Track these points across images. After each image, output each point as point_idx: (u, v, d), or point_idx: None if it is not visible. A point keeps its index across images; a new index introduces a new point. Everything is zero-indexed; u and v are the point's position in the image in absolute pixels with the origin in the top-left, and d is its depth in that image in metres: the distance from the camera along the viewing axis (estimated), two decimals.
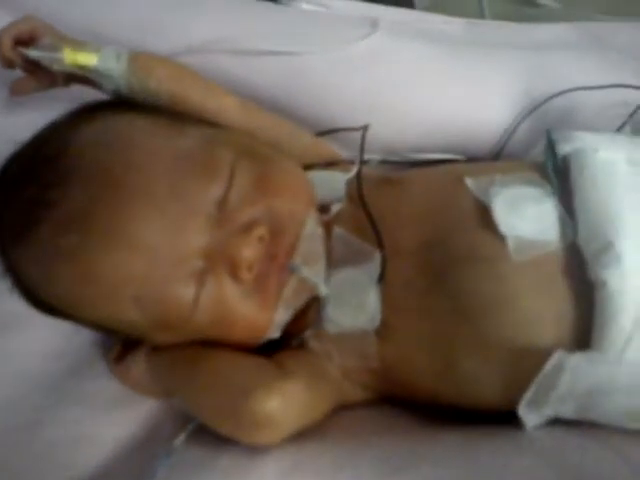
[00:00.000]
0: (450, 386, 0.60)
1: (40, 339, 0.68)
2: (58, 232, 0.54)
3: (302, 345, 0.64)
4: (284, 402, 0.56)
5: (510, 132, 0.78)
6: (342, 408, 0.64)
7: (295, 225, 0.59)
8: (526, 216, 0.59)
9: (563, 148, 0.62)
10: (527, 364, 0.54)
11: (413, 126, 0.78)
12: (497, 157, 0.79)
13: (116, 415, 0.65)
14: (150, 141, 0.57)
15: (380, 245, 0.61)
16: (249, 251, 0.56)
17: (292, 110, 0.76)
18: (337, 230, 0.63)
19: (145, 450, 0.62)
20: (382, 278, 0.60)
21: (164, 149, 0.57)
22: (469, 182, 0.62)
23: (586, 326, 0.55)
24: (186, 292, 0.56)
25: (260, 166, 0.59)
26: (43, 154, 0.57)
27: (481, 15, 1.00)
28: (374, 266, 0.61)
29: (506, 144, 0.78)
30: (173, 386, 0.63)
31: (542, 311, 0.57)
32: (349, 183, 0.65)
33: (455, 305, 0.58)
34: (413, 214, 0.63)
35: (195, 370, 0.61)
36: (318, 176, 0.67)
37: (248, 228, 0.57)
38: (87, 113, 0.62)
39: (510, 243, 0.58)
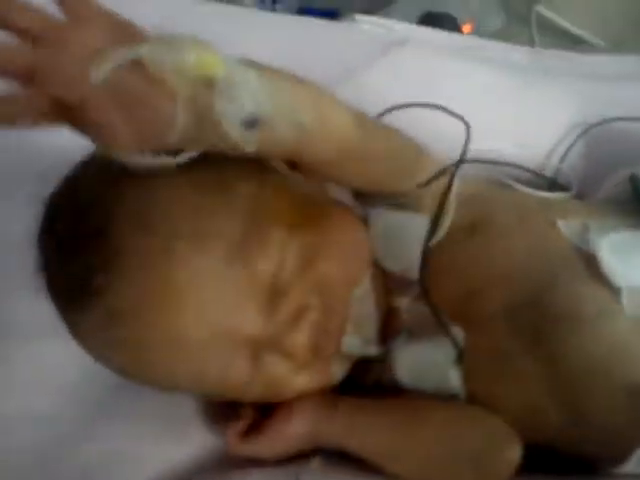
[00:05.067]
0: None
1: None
2: (107, 323, 0.50)
3: None
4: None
5: (561, 159, 0.76)
6: None
7: (348, 291, 0.56)
8: (636, 265, 0.55)
9: None
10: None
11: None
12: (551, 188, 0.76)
13: (161, 434, 0.61)
14: (196, 225, 0.51)
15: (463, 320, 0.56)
16: (301, 337, 0.53)
17: None
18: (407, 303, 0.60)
19: None
20: (461, 359, 0.56)
21: (211, 236, 0.51)
22: (562, 227, 0.58)
23: None
24: (240, 374, 0.54)
25: (313, 236, 0.54)
26: (83, 230, 0.51)
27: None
28: (453, 344, 0.56)
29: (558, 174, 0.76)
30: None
31: None
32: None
33: (552, 371, 0.54)
34: (501, 270, 0.57)
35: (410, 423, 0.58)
36: (392, 221, 0.60)
37: (299, 315, 0.53)
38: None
39: (625, 296, 0.53)
